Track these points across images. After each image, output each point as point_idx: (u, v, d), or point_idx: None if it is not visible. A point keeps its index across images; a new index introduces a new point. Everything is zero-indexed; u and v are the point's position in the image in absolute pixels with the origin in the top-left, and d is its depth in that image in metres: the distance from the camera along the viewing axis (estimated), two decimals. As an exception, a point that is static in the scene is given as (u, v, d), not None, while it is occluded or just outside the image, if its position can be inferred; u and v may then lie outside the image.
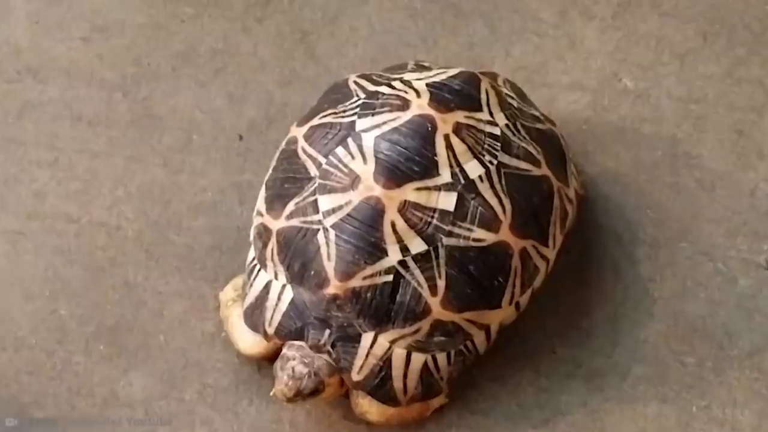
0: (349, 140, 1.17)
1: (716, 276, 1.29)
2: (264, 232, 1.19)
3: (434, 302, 1.14)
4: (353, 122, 1.18)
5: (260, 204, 1.21)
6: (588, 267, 1.29)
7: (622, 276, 1.29)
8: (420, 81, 1.21)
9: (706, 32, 1.40)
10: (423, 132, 1.16)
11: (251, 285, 1.21)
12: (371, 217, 1.13)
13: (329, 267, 1.14)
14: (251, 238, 1.22)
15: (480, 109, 1.19)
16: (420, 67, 1.28)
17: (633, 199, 1.32)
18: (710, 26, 1.41)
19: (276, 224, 1.18)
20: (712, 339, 1.26)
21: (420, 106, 1.17)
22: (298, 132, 1.21)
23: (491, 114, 1.20)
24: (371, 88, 1.21)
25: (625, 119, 1.37)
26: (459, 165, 1.16)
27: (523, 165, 1.19)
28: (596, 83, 1.39)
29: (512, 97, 1.25)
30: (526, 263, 1.18)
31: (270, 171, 1.22)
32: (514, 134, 1.20)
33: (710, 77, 1.39)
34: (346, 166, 1.16)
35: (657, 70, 1.39)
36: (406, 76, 1.23)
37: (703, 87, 1.38)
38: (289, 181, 1.18)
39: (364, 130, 1.17)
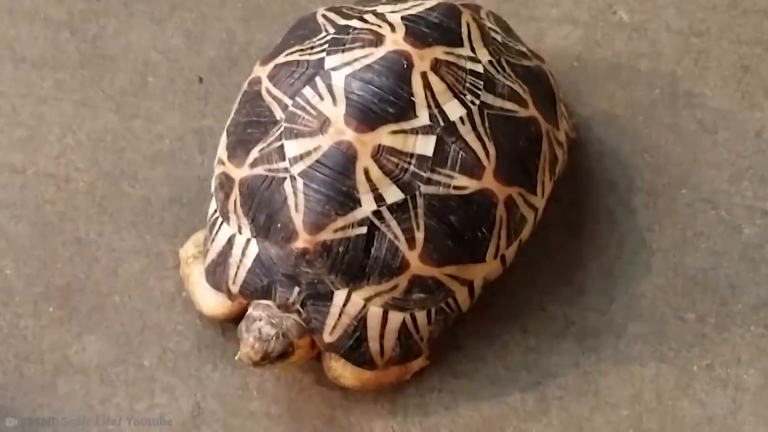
0: (318, 79, 1.14)
1: (719, 225, 1.27)
2: (226, 182, 1.17)
3: (412, 256, 1.13)
4: (322, 60, 1.15)
5: (221, 151, 1.19)
6: (580, 217, 1.28)
7: (618, 226, 1.27)
8: (395, 14, 1.18)
9: (707, -41, 1.38)
10: (398, 69, 1.13)
11: (213, 240, 1.18)
12: (342, 163, 1.11)
13: (297, 219, 1.12)
14: (213, 188, 1.20)
15: (461, 45, 1.17)
16: None
17: (629, 142, 1.31)
18: (712, -47, 1.39)
19: (239, 173, 1.15)
20: (715, 293, 1.25)
21: (395, 41, 1.15)
22: (262, 72, 1.18)
23: (473, 50, 1.18)
24: (341, 22, 1.19)
25: (620, 55, 1.35)
26: (438, 106, 1.14)
27: (509, 105, 1.17)
28: (588, 16, 1.37)
29: (496, 32, 1.23)
30: (512, 213, 1.16)
31: (231, 115, 1.20)
32: (498, 72, 1.18)
33: (713, 8, 1.36)
34: (314, 107, 1.13)
35: (655, 1, 1.37)
36: (380, 9, 1.20)
37: (705, 19, 1.36)
38: (252, 125, 1.16)
39: (334, 69, 1.14)
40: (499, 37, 1.22)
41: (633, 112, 1.32)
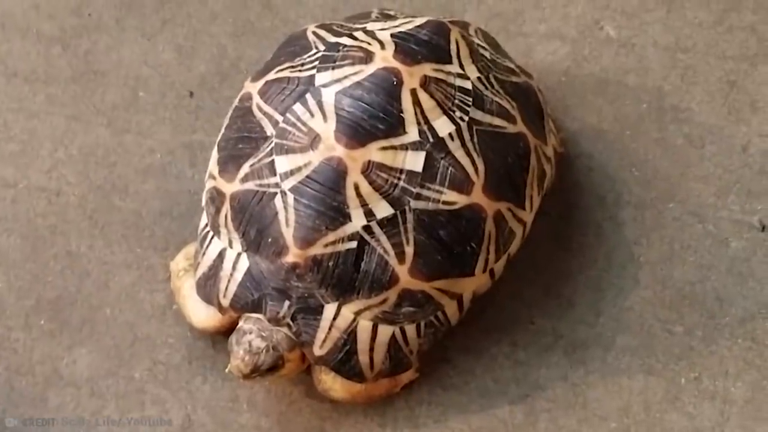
0: (308, 96, 1.16)
1: (706, 238, 1.29)
2: (217, 197, 1.18)
3: (402, 270, 1.14)
4: (312, 77, 1.17)
5: (212, 166, 1.20)
6: (568, 230, 1.29)
7: (606, 239, 1.28)
8: (384, 31, 1.19)
9: (694, -25, 1.40)
10: (388, 86, 1.15)
11: (204, 254, 1.20)
12: (333, 179, 1.13)
13: (288, 233, 1.13)
14: (203, 203, 1.21)
15: (449, 61, 1.19)
16: (385, 16, 1.27)
17: (616, 156, 1.32)
18: (699, -31, 1.40)
19: (230, 188, 1.17)
20: (702, 306, 1.26)
21: (384, 58, 1.16)
22: (253, 88, 1.20)
23: (462, 66, 1.19)
24: (331, 39, 1.20)
25: (607, 71, 1.36)
26: (427, 122, 1.15)
27: (497, 121, 1.18)
28: (576, 32, 1.38)
29: (485, 48, 1.25)
30: (500, 227, 1.17)
31: (223, 130, 1.21)
32: (486, 88, 1.19)
33: (699, 24, 1.38)
34: (304, 124, 1.15)
35: (642, 17, 1.39)
36: (370, 26, 1.22)
37: (691, 35, 1.38)
38: (243, 141, 1.17)
39: (324, 85, 1.16)
40: (487, 54, 1.24)
41: (620, 127, 1.34)
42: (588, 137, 1.33)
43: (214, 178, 1.19)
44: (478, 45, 1.24)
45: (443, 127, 1.16)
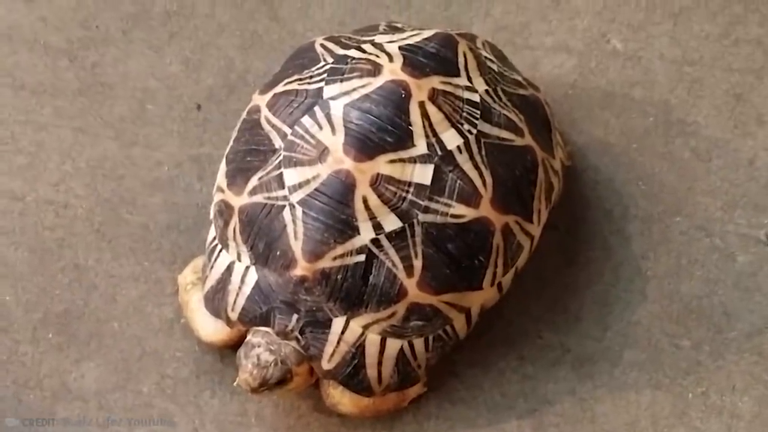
0: (316, 109, 1.15)
1: (713, 252, 1.28)
2: (225, 210, 1.18)
3: (410, 284, 1.13)
4: (320, 89, 1.16)
5: (221, 179, 1.19)
6: (575, 244, 1.29)
7: (613, 253, 1.28)
8: (392, 44, 1.19)
9: (701, -11, 1.40)
10: (396, 99, 1.14)
11: (212, 267, 1.19)
12: (341, 192, 1.12)
13: (296, 247, 1.13)
14: (212, 216, 1.21)
15: (457, 74, 1.18)
16: (392, 29, 1.26)
17: (623, 170, 1.32)
18: (705, -17, 1.40)
19: (238, 201, 1.16)
20: (709, 320, 1.26)
21: (392, 71, 1.16)
22: (261, 100, 1.19)
23: (470, 79, 1.19)
24: (339, 51, 1.20)
25: (614, 84, 1.36)
26: (435, 135, 1.15)
27: (505, 134, 1.18)
28: (583, 45, 1.38)
29: (492, 61, 1.24)
30: (508, 241, 1.17)
31: (231, 143, 1.21)
32: (494, 101, 1.19)
33: (706, 37, 1.38)
34: (313, 136, 1.14)
35: (648, 30, 1.38)
36: (378, 39, 1.21)
37: (697, 48, 1.37)
38: (251, 153, 1.17)
39: (333, 98, 1.15)
40: (495, 66, 1.23)
41: (627, 140, 1.33)
42: (595, 150, 1.33)
43: (222, 191, 1.19)
44: (486, 58, 1.23)
45: (451, 140, 1.15)
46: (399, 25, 1.29)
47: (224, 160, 1.20)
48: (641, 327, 1.25)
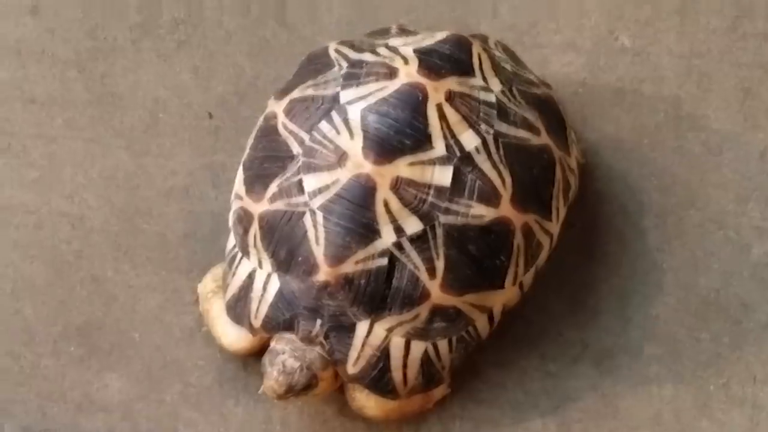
0: (334, 114, 1.15)
1: (727, 245, 1.29)
2: (244, 217, 1.17)
3: (433, 285, 1.13)
4: (337, 94, 1.16)
5: (238, 186, 1.19)
6: (591, 240, 1.29)
7: (629, 248, 1.28)
8: (407, 46, 1.19)
9: (706, -17, 1.40)
10: (413, 102, 1.14)
11: (233, 275, 1.19)
12: (362, 196, 1.12)
13: (318, 252, 1.12)
14: (230, 223, 1.21)
15: (473, 75, 1.18)
16: (404, 32, 1.26)
17: (636, 165, 1.32)
18: (710, -23, 1.40)
19: (258, 208, 1.16)
20: (727, 312, 1.26)
21: (408, 74, 1.16)
22: (277, 106, 1.19)
23: (485, 79, 1.19)
24: (354, 56, 1.19)
25: (623, 80, 1.36)
26: (454, 136, 1.15)
27: (522, 133, 1.18)
28: (591, 43, 1.38)
29: (506, 61, 1.24)
30: (529, 239, 1.17)
31: (247, 150, 1.20)
32: (510, 100, 1.19)
33: (713, 31, 1.38)
34: (331, 141, 1.14)
35: (656, 26, 1.39)
36: (392, 42, 1.21)
37: (705, 42, 1.38)
38: (269, 160, 1.17)
39: (349, 102, 1.15)
40: (508, 66, 1.24)
41: (639, 136, 1.34)
42: (607, 147, 1.33)
43: (240, 198, 1.18)
44: (499, 57, 1.24)
45: (470, 140, 1.15)
46: (410, 28, 1.29)
47: (241, 168, 1.20)
48: (660, 320, 1.26)
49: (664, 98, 1.35)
